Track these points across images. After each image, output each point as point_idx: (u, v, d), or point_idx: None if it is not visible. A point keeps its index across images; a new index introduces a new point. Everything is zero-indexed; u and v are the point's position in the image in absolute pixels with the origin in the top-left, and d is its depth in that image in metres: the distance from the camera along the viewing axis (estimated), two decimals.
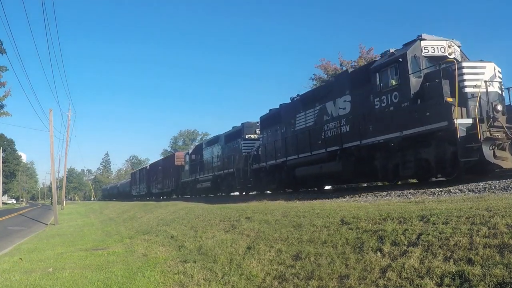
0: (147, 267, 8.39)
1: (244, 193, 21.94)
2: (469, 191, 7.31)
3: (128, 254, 10.45)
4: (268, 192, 18.45)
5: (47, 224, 24.22)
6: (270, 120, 17.43)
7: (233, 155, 20.72)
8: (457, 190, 7.62)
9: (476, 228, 4.59)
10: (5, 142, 76.32)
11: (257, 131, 19.44)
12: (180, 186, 31.84)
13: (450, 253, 4.38)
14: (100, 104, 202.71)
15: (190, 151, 28.86)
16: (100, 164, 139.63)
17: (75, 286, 7.32)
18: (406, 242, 5.06)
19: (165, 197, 36.88)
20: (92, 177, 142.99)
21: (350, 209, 7.49)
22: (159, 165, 40.08)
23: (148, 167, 45.44)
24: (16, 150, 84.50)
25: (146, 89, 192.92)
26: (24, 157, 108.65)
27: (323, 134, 13.19)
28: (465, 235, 4.55)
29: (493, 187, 7.11)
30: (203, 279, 7.04)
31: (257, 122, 19.58)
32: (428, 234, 4.93)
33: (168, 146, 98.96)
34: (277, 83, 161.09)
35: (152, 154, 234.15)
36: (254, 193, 20.54)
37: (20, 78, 65.65)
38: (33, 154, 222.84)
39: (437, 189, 8.24)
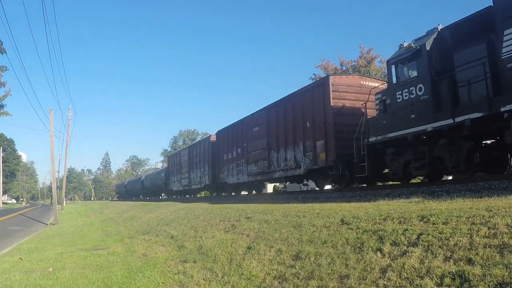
0: (147, 267, 8.39)
1: None
2: (469, 191, 7.31)
3: (128, 254, 10.45)
4: None
5: (47, 224, 24.22)
6: None
7: None
8: (457, 190, 7.62)
9: (476, 228, 4.59)
10: (5, 142, 76.44)
11: None
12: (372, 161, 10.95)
13: (450, 253, 4.38)
14: (100, 104, 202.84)
15: (429, 46, 9.42)
16: (100, 164, 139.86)
17: (75, 286, 7.32)
18: (406, 242, 5.06)
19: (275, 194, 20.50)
20: (92, 177, 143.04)
21: (350, 209, 7.49)
22: (253, 124, 17.91)
23: (212, 139, 23.76)
24: (16, 150, 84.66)
25: (146, 89, 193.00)
26: (24, 157, 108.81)
27: None
28: (465, 235, 4.55)
29: (493, 187, 7.10)
30: (203, 279, 7.04)
31: None
32: (428, 234, 4.93)
33: (168, 146, 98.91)
34: (277, 83, 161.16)
35: (152, 154, 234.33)
36: None
37: (20, 78, 65.67)
38: (33, 154, 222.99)
39: (437, 189, 8.24)
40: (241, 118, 19.31)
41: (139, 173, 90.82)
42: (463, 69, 8.52)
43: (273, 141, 16.09)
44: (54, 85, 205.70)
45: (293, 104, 14.84)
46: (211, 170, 23.26)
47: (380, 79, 13.32)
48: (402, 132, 9.76)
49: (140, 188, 47.30)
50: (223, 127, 22.13)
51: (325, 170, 13.14)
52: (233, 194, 22.56)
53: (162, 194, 41.59)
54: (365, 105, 11.57)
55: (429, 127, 9.10)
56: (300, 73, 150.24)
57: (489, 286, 3.65)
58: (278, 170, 15.71)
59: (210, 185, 23.89)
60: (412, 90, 9.73)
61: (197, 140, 26.09)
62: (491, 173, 9.19)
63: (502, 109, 7.54)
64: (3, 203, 66.83)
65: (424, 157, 9.54)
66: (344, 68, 34.06)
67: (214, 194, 25.38)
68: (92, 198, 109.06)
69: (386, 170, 11.29)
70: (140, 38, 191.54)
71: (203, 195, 31.38)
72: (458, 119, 8.48)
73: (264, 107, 17.10)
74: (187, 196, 31.76)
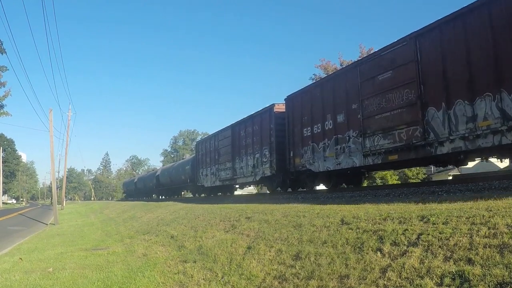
0: (147, 267, 8.39)
1: None
2: (469, 191, 7.31)
3: (128, 254, 10.45)
4: None
5: (47, 224, 24.22)
6: None
7: None
8: (457, 190, 7.62)
9: (476, 228, 4.59)
10: (5, 142, 76.51)
11: None
12: None
13: (450, 253, 4.39)
14: (100, 104, 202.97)
15: None
16: (100, 164, 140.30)
17: (75, 286, 7.32)
18: (406, 242, 5.06)
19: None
20: (92, 177, 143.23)
21: (350, 209, 7.49)
22: (378, 69, 10.86)
23: (277, 109, 16.32)
24: (16, 150, 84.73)
25: (146, 90, 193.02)
26: (24, 157, 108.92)
27: None
28: (465, 235, 4.56)
29: (493, 187, 7.11)
30: (203, 279, 7.04)
31: None
32: (428, 234, 4.93)
33: (168, 146, 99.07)
34: (277, 83, 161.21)
35: (152, 154, 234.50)
36: None
37: (20, 78, 65.68)
38: (33, 154, 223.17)
39: (437, 189, 8.24)
40: (344, 66, 12.15)
41: (139, 173, 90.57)
42: None
43: (436, 90, 9.26)
44: (54, 85, 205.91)
45: None
46: (275, 154, 15.75)
47: None
48: None
49: (155, 186, 39.16)
50: (293, 92, 14.96)
51: None
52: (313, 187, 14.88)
53: (183, 193, 35.35)
54: None
55: None
56: (300, 73, 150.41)
57: (489, 286, 3.65)
58: (451, 139, 8.84)
59: (273, 176, 16.27)
60: None
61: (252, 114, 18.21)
62: None
63: None
64: (3, 203, 66.84)
65: None
66: None
67: (277, 190, 17.42)
68: (92, 198, 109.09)
69: None
70: (140, 38, 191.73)
71: (246, 191, 23.50)
72: None
73: (408, 36, 9.98)
74: (224, 194, 23.64)
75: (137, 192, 50.47)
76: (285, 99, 15.65)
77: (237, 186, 22.45)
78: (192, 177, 26.99)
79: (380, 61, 10.93)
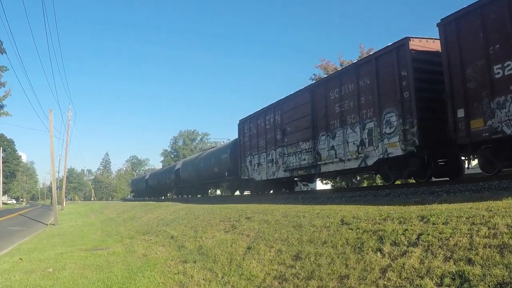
0: (147, 267, 8.39)
1: None
2: (469, 191, 7.31)
3: (128, 254, 10.45)
4: None
5: (47, 224, 24.22)
6: None
7: None
8: (457, 190, 7.62)
9: (476, 228, 4.59)
10: (5, 142, 76.48)
11: None
12: None
13: (450, 253, 4.39)
14: (100, 104, 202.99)
15: None
16: (100, 164, 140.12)
17: (75, 286, 7.32)
18: (406, 242, 5.06)
19: None
20: (92, 177, 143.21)
21: (350, 209, 7.49)
22: None
23: (414, 45, 9.84)
24: (16, 150, 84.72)
25: (146, 90, 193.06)
26: (24, 157, 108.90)
27: None
28: (465, 235, 4.56)
29: (493, 187, 7.11)
30: (203, 279, 7.04)
31: None
32: (428, 234, 4.93)
33: (168, 146, 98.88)
34: (277, 83, 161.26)
35: (152, 154, 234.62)
36: None
37: (20, 78, 65.74)
38: (33, 154, 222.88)
39: (437, 189, 8.24)
40: None
41: (140, 173, 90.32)
42: None
43: None
44: (54, 85, 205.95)
45: None
46: (415, 119, 9.66)
47: None
48: None
49: (173, 183, 32.58)
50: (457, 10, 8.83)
51: None
52: None
53: (213, 191, 29.59)
54: None
55: None
56: (300, 73, 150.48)
57: (489, 286, 3.65)
58: None
59: (409, 156, 10.10)
60: None
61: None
62: None
63: None
64: (3, 203, 66.83)
65: None
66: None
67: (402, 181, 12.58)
68: (92, 199, 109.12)
69: None
70: (140, 38, 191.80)
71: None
72: None
73: None
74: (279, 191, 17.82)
75: (149, 191, 43.43)
76: (439, 24, 9.24)
77: (298, 179, 16.56)
78: (232, 168, 20.32)
79: None
